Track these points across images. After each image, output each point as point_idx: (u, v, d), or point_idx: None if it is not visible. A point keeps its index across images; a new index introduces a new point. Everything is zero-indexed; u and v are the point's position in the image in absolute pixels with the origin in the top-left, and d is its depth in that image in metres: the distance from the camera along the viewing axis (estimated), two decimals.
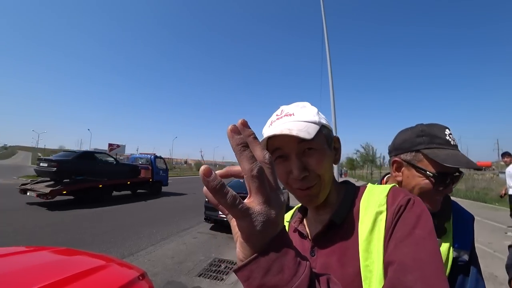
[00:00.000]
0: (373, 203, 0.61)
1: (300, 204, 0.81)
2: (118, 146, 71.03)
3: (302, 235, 0.71)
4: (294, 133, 0.57)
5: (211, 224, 7.03)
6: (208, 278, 3.91)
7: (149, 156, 14.91)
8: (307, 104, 0.68)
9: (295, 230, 0.74)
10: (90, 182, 10.15)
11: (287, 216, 0.87)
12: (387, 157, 1.11)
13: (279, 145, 0.62)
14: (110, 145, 70.22)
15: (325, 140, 0.65)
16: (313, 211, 0.71)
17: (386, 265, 0.51)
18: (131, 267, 2.26)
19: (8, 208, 8.18)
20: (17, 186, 9.97)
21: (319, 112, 0.67)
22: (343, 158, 33.71)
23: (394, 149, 0.98)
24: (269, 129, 0.64)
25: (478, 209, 9.84)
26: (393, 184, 0.66)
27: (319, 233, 0.64)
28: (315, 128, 0.61)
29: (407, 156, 0.92)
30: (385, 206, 0.58)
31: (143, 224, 7.04)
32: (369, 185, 0.69)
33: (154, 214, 8.53)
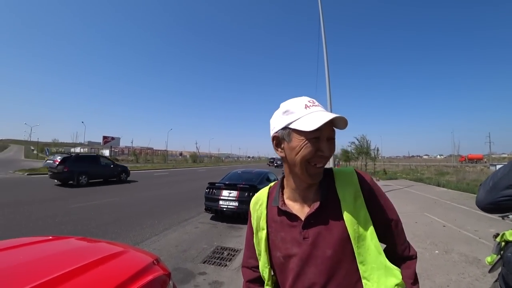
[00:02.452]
0: (348, 185, 0.84)
1: (270, 186, 1.00)
2: (112, 138, 70.42)
3: (289, 215, 0.85)
4: (346, 126, 0.77)
5: (211, 215, 7.23)
6: (213, 264, 4.11)
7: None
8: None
9: (281, 211, 0.87)
10: None
11: (263, 195, 0.99)
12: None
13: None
14: (104, 137, 69.58)
15: None
16: (300, 189, 0.86)
17: (386, 223, 0.85)
18: (146, 253, 2.45)
19: (9, 202, 8.30)
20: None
21: None
22: (338, 150, 33.87)
23: None
24: (309, 111, 0.76)
25: (467, 200, 10.23)
26: (354, 167, 0.90)
27: (311, 214, 0.82)
28: None
29: None
30: (359, 186, 0.83)
31: (144, 215, 7.22)
32: (335, 169, 0.91)
33: (154, 205, 8.71)
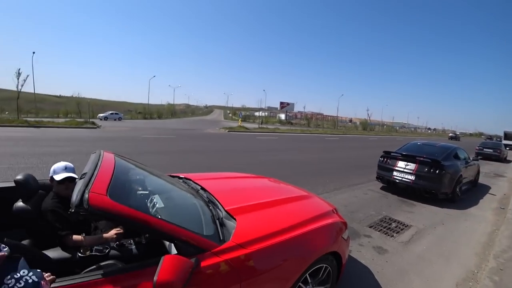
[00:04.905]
0: None
1: None
2: (288, 104, 78.81)
3: None
4: None
5: (382, 184, 7.09)
6: (379, 231, 4.21)
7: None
8: None
9: None
10: None
11: None
12: None
13: None
14: (281, 103, 78.90)
15: None
16: None
17: None
18: (326, 202, 2.94)
19: (220, 149, 11.52)
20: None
21: None
22: None
23: None
24: None
25: None
26: None
27: None
28: None
29: None
30: None
31: (316, 173, 8.12)
32: None
33: (325, 166, 9.53)
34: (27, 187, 1.99)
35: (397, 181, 6.34)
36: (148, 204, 1.70)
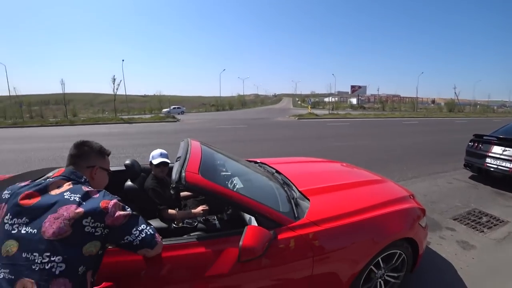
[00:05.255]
0: None
1: None
2: (359, 87, 74.48)
3: None
4: None
5: (471, 173, 6.25)
6: (465, 225, 3.79)
7: None
8: None
9: None
10: None
11: None
12: None
13: None
14: (352, 87, 74.90)
15: None
16: None
17: None
18: (402, 187, 2.83)
19: (287, 137, 11.67)
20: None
21: None
22: None
23: None
24: None
25: None
26: None
27: None
28: None
29: None
30: None
31: (392, 160, 7.66)
32: None
33: (403, 152, 8.88)
34: (133, 170, 2.50)
35: (492, 169, 5.49)
36: (229, 185, 1.95)
